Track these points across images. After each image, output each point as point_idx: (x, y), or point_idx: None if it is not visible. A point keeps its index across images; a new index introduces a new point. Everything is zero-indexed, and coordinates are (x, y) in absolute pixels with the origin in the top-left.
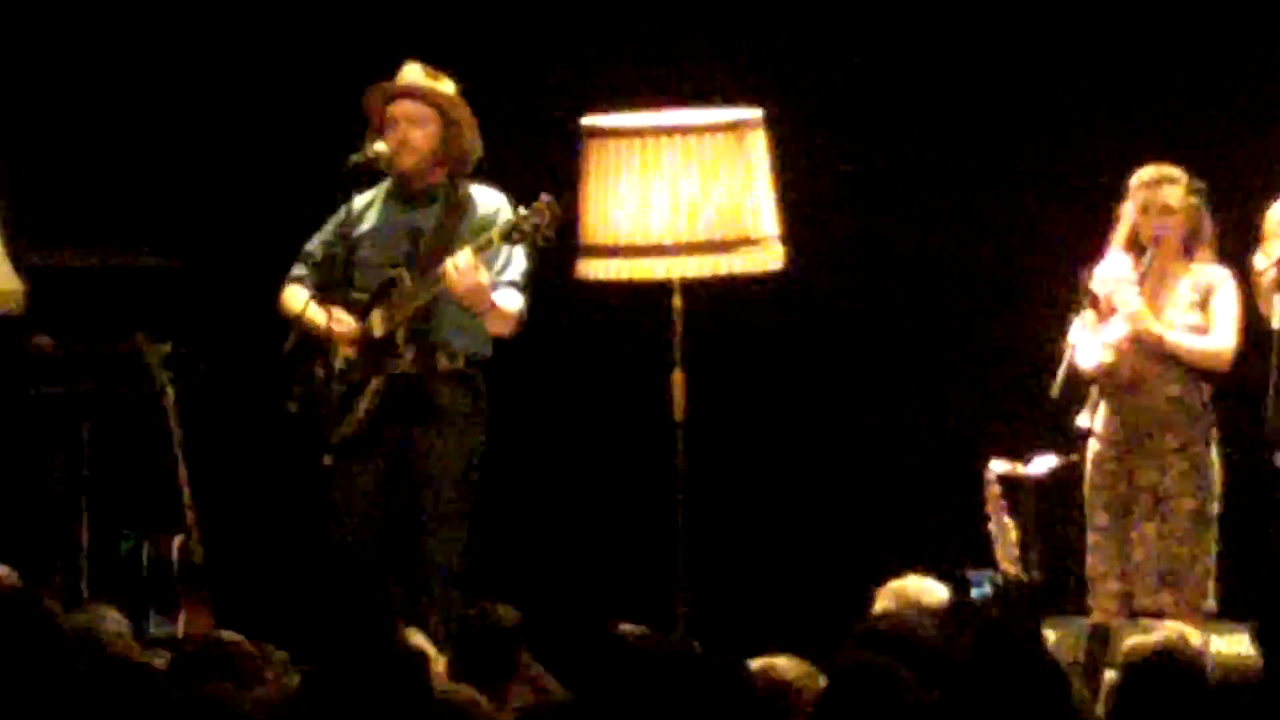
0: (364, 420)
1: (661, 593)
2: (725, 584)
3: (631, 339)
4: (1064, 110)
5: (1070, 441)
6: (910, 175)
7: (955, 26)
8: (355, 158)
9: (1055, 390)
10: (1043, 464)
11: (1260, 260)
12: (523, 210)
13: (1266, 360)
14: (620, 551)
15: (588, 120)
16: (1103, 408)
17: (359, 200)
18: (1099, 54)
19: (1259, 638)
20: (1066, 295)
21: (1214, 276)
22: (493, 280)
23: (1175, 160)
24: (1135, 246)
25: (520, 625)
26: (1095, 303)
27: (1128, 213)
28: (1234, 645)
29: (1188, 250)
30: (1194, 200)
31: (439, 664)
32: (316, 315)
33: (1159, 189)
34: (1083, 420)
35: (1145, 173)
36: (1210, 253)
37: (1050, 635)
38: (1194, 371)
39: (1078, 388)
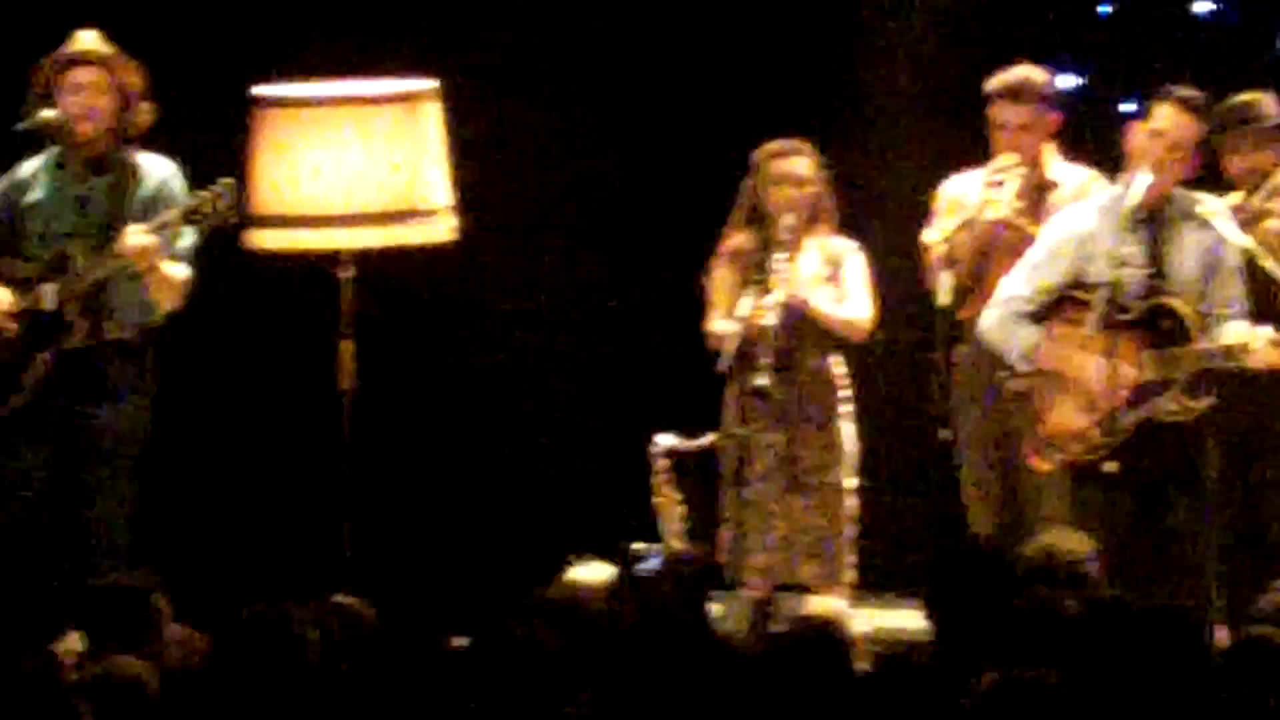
0: (30, 395)
1: (329, 560)
2: (391, 553)
3: (302, 310)
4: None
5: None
6: (577, 146)
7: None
8: (23, 125)
9: (723, 364)
10: (711, 437)
11: (930, 235)
12: (203, 192)
13: (933, 334)
14: (288, 519)
15: (259, 89)
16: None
17: (23, 169)
18: (720, 37)
19: (930, 611)
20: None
21: (842, 248)
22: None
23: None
24: (757, 219)
25: (154, 590)
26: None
27: (752, 186)
28: (899, 619)
29: (813, 222)
30: (822, 172)
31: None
32: None
33: (788, 160)
34: (761, 380)
35: (772, 146)
36: (831, 225)
37: (716, 609)
38: (829, 343)
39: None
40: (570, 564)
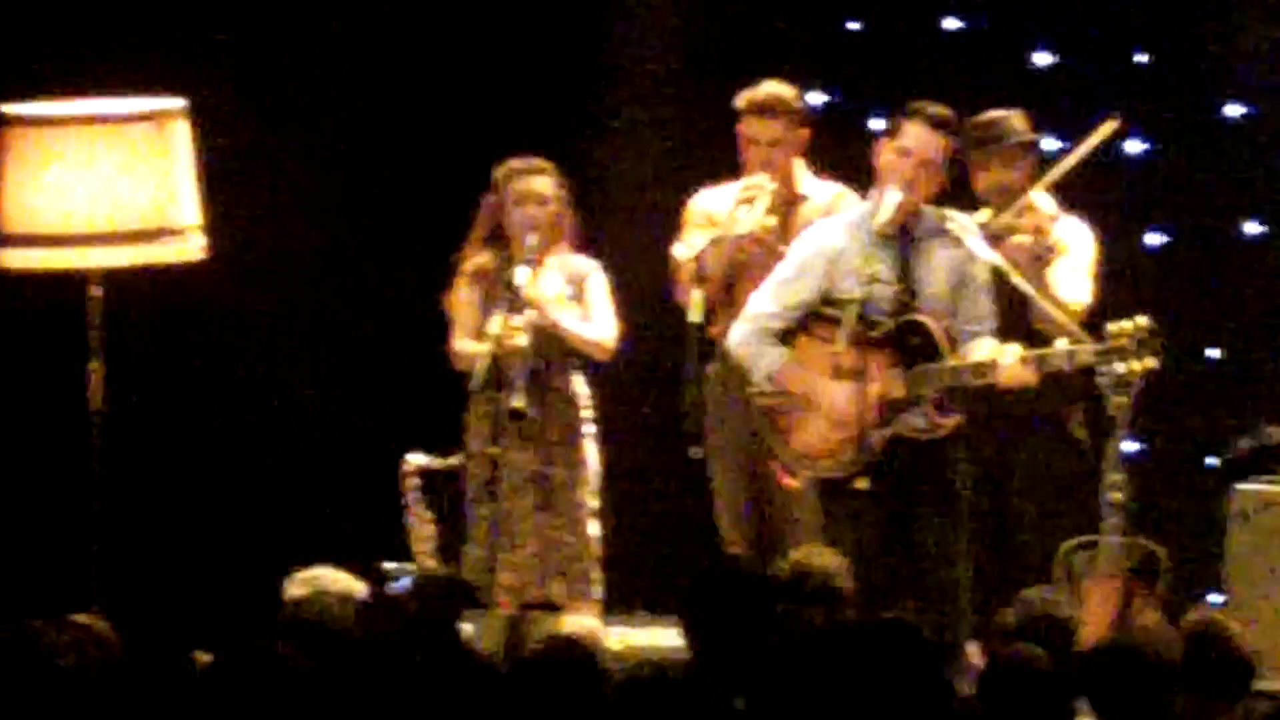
0: None
1: (77, 579)
2: (141, 572)
3: (51, 330)
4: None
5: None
6: (322, 163)
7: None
8: None
9: (475, 384)
10: (460, 456)
11: (681, 250)
12: None
13: (683, 351)
14: (36, 540)
15: (5, 108)
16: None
17: None
18: (461, 55)
19: (685, 628)
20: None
21: (584, 266)
22: None
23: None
24: (498, 237)
25: None
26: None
27: (494, 203)
28: (652, 637)
29: (553, 240)
30: (563, 190)
31: None
32: None
33: (529, 178)
34: (516, 401)
35: (513, 164)
36: (571, 244)
37: (468, 628)
38: (575, 362)
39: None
40: (287, 576)
